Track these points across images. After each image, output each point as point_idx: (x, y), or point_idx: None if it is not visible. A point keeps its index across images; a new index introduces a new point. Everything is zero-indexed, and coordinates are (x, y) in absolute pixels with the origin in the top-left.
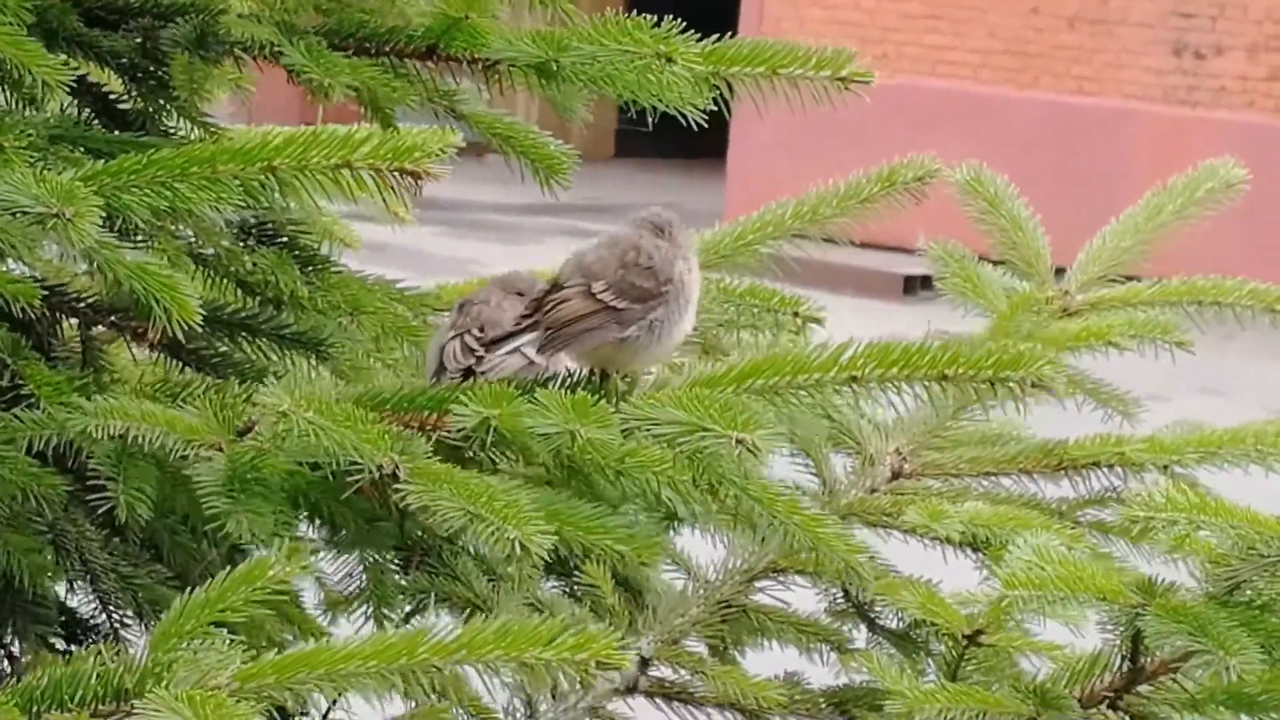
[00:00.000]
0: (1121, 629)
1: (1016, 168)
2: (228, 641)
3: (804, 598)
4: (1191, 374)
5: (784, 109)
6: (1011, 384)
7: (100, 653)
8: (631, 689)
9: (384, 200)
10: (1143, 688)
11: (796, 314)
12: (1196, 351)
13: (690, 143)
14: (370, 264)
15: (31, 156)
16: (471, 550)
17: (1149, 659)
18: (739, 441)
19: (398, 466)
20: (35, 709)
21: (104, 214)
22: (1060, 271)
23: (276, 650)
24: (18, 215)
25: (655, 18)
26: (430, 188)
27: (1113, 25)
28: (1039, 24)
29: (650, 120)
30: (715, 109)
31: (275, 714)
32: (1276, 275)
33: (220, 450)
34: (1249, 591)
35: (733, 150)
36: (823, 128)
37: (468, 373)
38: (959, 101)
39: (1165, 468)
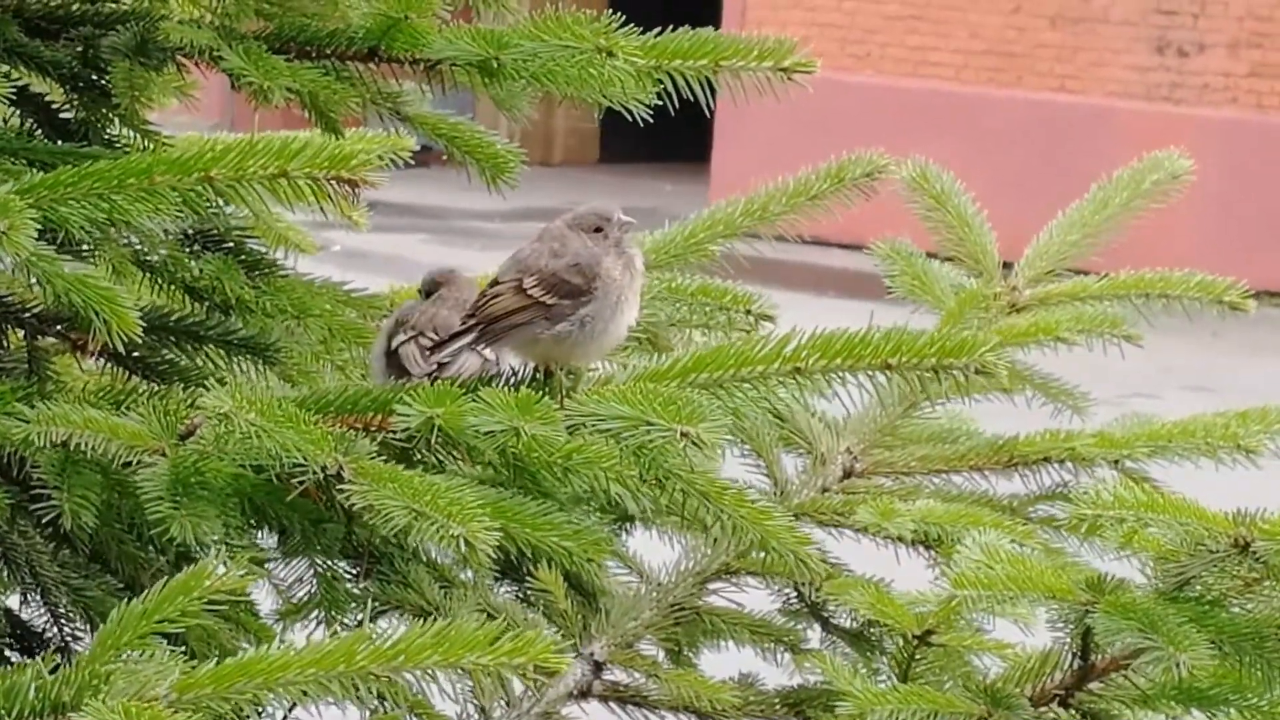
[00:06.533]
0: (1072, 627)
1: (1001, 167)
2: (168, 652)
3: (758, 599)
4: (1179, 372)
5: (766, 112)
6: (955, 371)
7: (39, 666)
8: (585, 693)
9: (322, 209)
10: (1094, 685)
11: (749, 312)
12: (1182, 350)
13: (675, 146)
14: (351, 271)
15: None
16: (424, 557)
17: (1099, 656)
18: (684, 434)
19: (341, 467)
20: None
21: (41, 226)
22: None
23: (216, 660)
24: None
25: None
26: (416, 194)
27: (1095, 24)
28: (1021, 23)
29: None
30: (699, 112)
31: None
32: (1263, 272)
33: (163, 455)
34: (1198, 587)
35: (716, 154)
36: (805, 130)
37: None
38: (942, 102)
39: (1116, 462)
